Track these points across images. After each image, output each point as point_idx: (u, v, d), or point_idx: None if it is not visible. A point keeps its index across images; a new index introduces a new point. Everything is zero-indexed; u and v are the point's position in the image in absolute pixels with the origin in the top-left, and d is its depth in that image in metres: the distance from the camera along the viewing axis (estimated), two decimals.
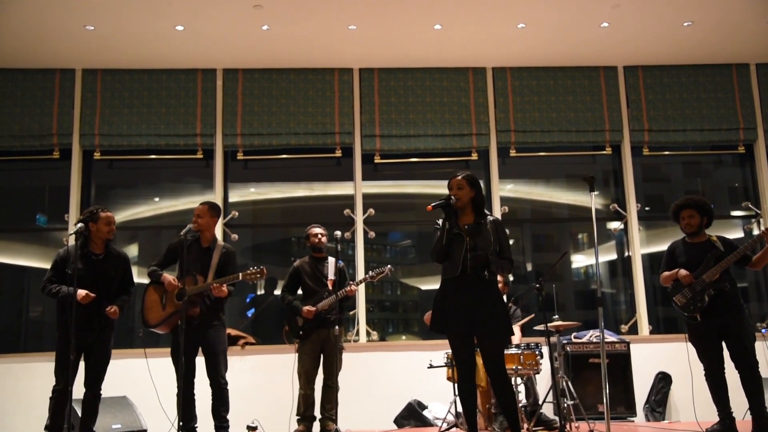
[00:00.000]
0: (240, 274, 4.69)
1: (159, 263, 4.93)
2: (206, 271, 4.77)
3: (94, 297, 4.35)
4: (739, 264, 4.60)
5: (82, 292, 4.30)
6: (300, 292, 5.49)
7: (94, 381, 4.48)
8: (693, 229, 4.68)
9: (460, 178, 4.00)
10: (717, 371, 4.55)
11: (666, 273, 4.74)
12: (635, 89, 7.19)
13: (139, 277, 7.12)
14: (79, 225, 4.41)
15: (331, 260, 5.48)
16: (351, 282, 5.38)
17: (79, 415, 4.62)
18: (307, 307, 5.25)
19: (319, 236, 5.45)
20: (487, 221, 3.97)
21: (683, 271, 4.57)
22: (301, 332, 5.28)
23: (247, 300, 7.38)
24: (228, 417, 4.77)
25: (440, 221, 3.99)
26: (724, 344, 4.59)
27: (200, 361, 4.81)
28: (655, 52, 6.96)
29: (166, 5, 5.88)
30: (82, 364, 4.49)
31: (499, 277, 4.31)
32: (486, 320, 3.80)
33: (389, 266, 5.44)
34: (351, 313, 6.78)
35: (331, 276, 5.41)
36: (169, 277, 4.78)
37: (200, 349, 4.80)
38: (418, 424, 5.91)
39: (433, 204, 3.88)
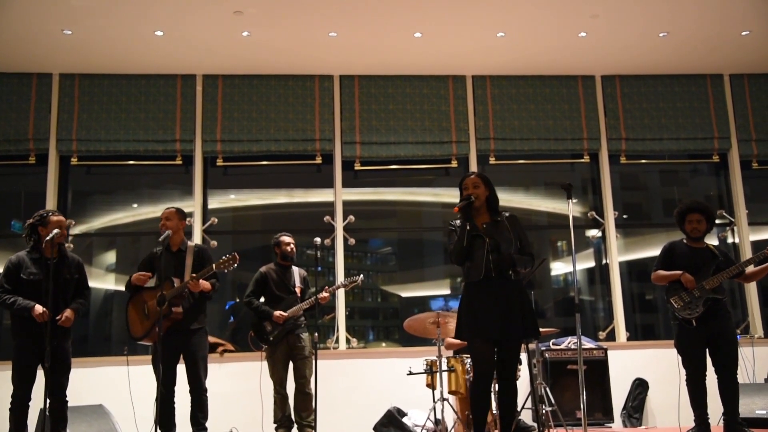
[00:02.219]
0: (213, 265, 4.68)
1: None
2: (181, 273, 4.74)
3: (50, 316, 4.28)
4: (732, 277, 4.66)
5: (39, 309, 4.26)
6: (263, 299, 5.47)
7: (58, 388, 4.40)
8: (699, 234, 4.71)
9: (474, 176, 3.94)
10: (700, 377, 4.60)
11: (663, 272, 4.74)
12: (613, 98, 7.28)
13: (117, 285, 7.08)
14: (55, 231, 4.33)
15: (295, 269, 5.53)
16: (327, 287, 5.39)
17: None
18: (278, 312, 5.24)
19: (291, 245, 5.48)
20: (504, 218, 3.91)
21: (688, 275, 4.59)
22: (271, 338, 5.26)
23: (226, 307, 7.33)
24: (206, 424, 4.74)
25: (456, 222, 3.90)
26: (707, 350, 4.65)
27: (180, 369, 4.78)
28: (632, 62, 7.06)
29: (146, 10, 5.84)
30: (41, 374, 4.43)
31: None
32: (517, 322, 3.71)
33: (361, 276, 5.47)
34: (327, 317, 6.76)
35: (297, 284, 5.43)
36: (135, 275, 4.76)
37: (181, 355, 4.76)
38: (398, 431, 5.90)
39: (458, 204, 3.80)
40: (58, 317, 4.36)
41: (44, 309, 4.26)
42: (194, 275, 4.65)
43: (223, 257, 4.72)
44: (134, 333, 4.82)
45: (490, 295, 3.73)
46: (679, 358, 4.69)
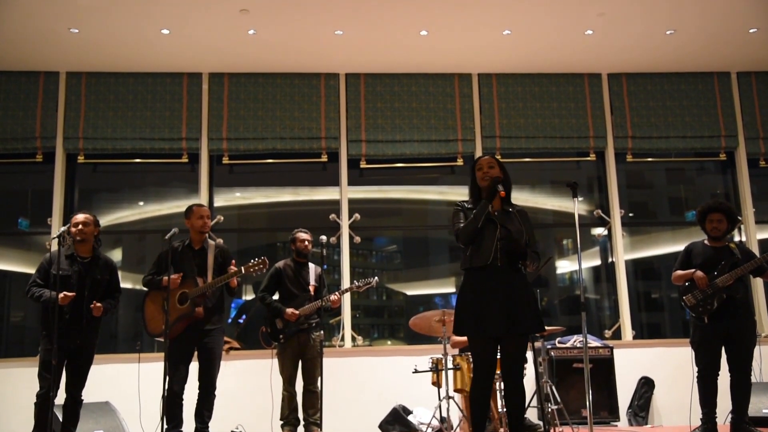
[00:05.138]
0: (242, 268, 4.70)
1: (152, 273, 4.89)
2: (204, 272, 4.77)
3: (74, 296, 4.32)
4: (753, 274, 4.66)
5: (61, 294, 4.28)
6: (277, 295, 5.47)
7: (77, 386, 4.45)
8: (719, 233, 4.73)
9: (489, 157, 3.78)
10: (712, 375, 4.61)
11: (680, 272, 4.78)
12: (619, 96, 7.26)
13: (124, 282, 7.09)
14: (62, 229, 4.40)
15: (312, 266, 5.51)
16: (337, 292, 5.39)
17: (60, 420, 4.58)
18: (290, 310, 5.24)
19: (306, 242, 5.47)
20: (515, 210, 3.76)
21: (700, 273, 4.61)
22: (281, 336, 5.26)
23: (233, 306, 7.35)
24: (209, 422, 4.77)
25: (464, 202, 3.75)
26: (723, 349, 4.65)
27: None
28: (638, 60, 7.03)
29: (152, 9, 5.85)
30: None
31: None
32: (521, 317, 3.50)
33: (376, 278, 5.42)
34: (333, 321, 6.76)
35: (312, 282, 5.42)
36: (166, 278, 4.72)
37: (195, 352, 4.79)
38: (403, 429, 5.91)
39: (502, 189, 3.61)
40: (93, 303, 4.42)
41: (65, 293, 4.29)
42: (220, 277, 4.69)
43: (252, 261, 4.73)
44: (152, 330, 4.82)
45: (494, 286, 3.54)
46: (693, 354, 4.69)
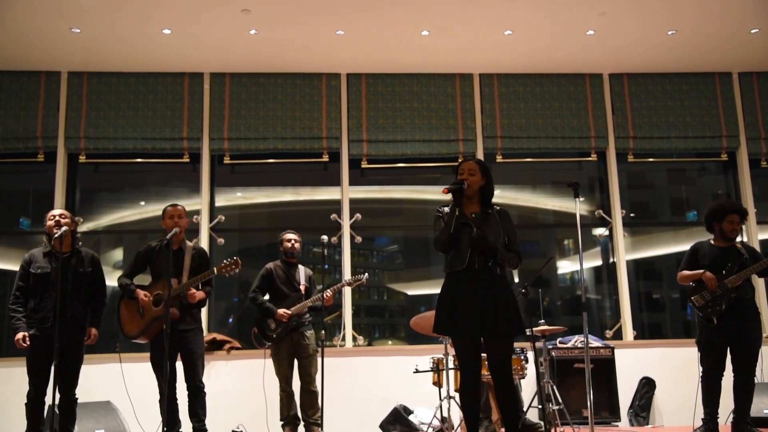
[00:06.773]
0: (215, 269, 4.68)
1: (128, 273, 4.87)
2: (180, 273, 4.74)
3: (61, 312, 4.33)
4: (759, 275, 4.66)
5: (19, 335, 4.34)
6: (268, 296, 5.48)
7: (69, 385, 4.42)
8: (737, 234, 4.73)
9: (472, 162, 3.77)
10: (717, 375, 4.60)
11: (687, 272, 4.77)
12: (620, 96, 7.25)
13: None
14: (63, 229, 4.37)
15: (302, 267, 5.53)
16: (329, 289, 5.39)
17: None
18: (282, 310, 5.25)
19: (293, 242, 5.47)
20: (495, 211, 3.76)
21: (709, 274, 4.60)
22: (274, 336, 5.27)
23: (235, 300, 7.36)
24: (208, 420, 4.75)
25: (445, 208, 3.75)
26: (728, 349, 4.64)
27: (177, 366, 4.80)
28: (640, 60, 7.03)
29: (154, 8, 5.86)
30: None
31: None
32: (498, 319, 3.51)
33: (366, 274, 5.45)
34: (327, 319, 6.75)
35: (303, 282, 5.43)
36: (141, 292, 4.73)
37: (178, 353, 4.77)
38: (404, 429, 5.91)
39: (448, 187, 3.64)
40: (86, 337, 4.49)
41: (24, 334, 4.33)
42: (193, 279, 4.67)
43: (225, 261, 4.70)
44: (128, 332, 4.79)
45: (472, 288, 3.56)
46: (698, 354, 4.68)
